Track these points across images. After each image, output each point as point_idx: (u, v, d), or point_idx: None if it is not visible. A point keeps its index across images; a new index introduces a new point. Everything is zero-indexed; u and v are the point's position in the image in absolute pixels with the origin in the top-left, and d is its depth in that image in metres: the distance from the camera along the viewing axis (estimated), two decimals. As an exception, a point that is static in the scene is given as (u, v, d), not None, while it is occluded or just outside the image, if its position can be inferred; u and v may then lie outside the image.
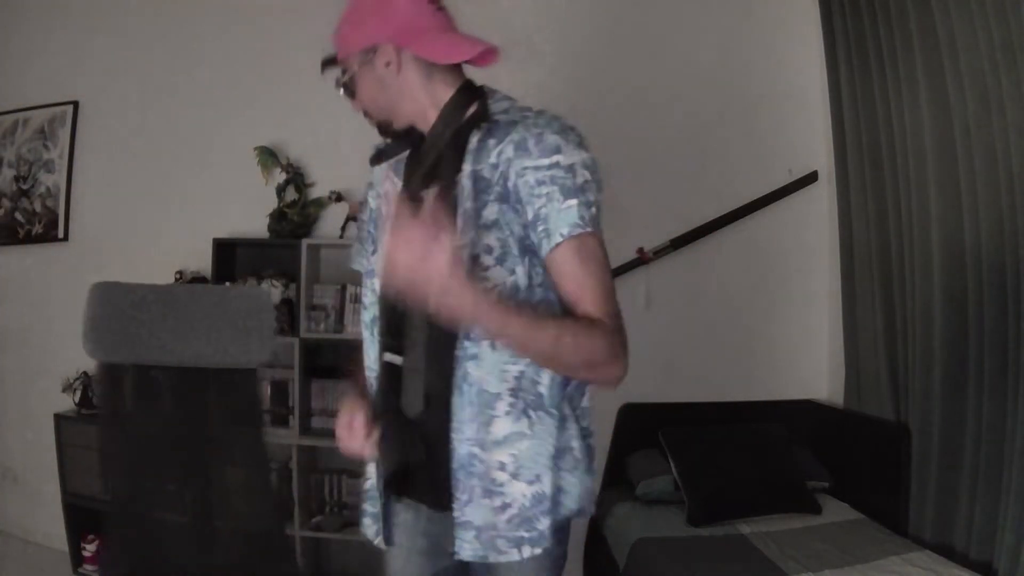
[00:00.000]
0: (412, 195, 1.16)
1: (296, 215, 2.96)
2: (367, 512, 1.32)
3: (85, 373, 3.16)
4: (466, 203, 1.11)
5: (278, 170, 3.01)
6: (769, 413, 2.89)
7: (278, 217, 2.96)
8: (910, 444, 2.40)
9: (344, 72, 1.23)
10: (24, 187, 3.40)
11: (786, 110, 3.06)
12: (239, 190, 3.08)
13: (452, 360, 1.13)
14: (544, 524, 1.14)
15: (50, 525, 3.17)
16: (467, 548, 1.15)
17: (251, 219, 3.02)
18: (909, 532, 2.35)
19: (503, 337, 1.06)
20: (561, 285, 1.11)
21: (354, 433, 1.17)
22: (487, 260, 1.11)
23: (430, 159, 1.19)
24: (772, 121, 3.06)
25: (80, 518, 3.07)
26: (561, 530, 1.21)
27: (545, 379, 1.14)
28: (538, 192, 1.10)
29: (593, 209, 1.13)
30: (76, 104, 3.33)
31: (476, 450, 1.13)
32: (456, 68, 1.22)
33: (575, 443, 1.20)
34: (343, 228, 2.97)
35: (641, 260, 2.99)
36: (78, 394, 3.14)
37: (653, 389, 2.99)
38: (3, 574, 2.96)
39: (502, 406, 1.13)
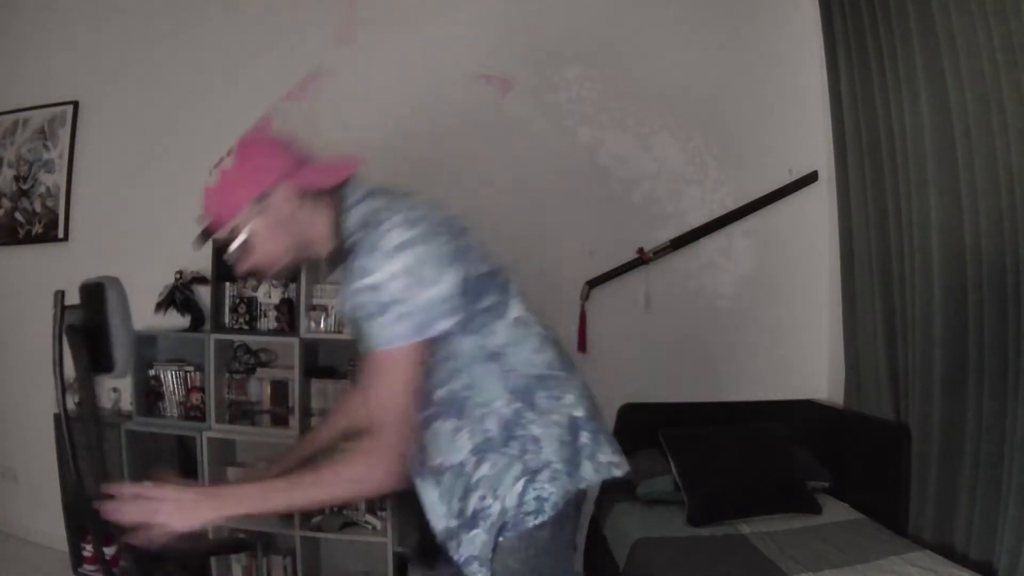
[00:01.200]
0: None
1: (296, 215, 2.95)
2: None
3: (85, 373, 3.15)
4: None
5: (278, 170, 3.00)
6: (769, 413, 2.89)
7: (278, 217, 2.96)
8: (910, 444, 2.40)
9: (232, 234, 1.26)
10: (24, 187, 3.40)
11: (786, 110, 3.06)
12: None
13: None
14: (521, 513, 1.26)
15: (50, 525, 3.18)
16: (480, 571, 1.28)
17: (251, 219, 3.02)
18: (909, 532, 2.35)
19: (267, 510, 1.20)
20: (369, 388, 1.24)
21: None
22: None
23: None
24: (772, 121, 3.06)
25: (80, 518, 3.08)
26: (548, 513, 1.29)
27: (492, 424, 1.28)
28: (356, 315, 1.23)
29: (398, 324, 1.19)
30: (76, 104, 3.34)
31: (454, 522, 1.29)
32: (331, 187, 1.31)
33: (553, 457, 1.30)
34: (343, 228, 2.96)
35: (641, 260, 2.99)
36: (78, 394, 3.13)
37: (653, 389, 2.99)
38: (3, 574, 2.96)
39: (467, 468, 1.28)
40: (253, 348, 3.02)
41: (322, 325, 2.87)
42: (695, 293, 3.04)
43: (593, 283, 3.01)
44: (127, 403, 3.06)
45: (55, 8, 3.39)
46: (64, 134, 3.33)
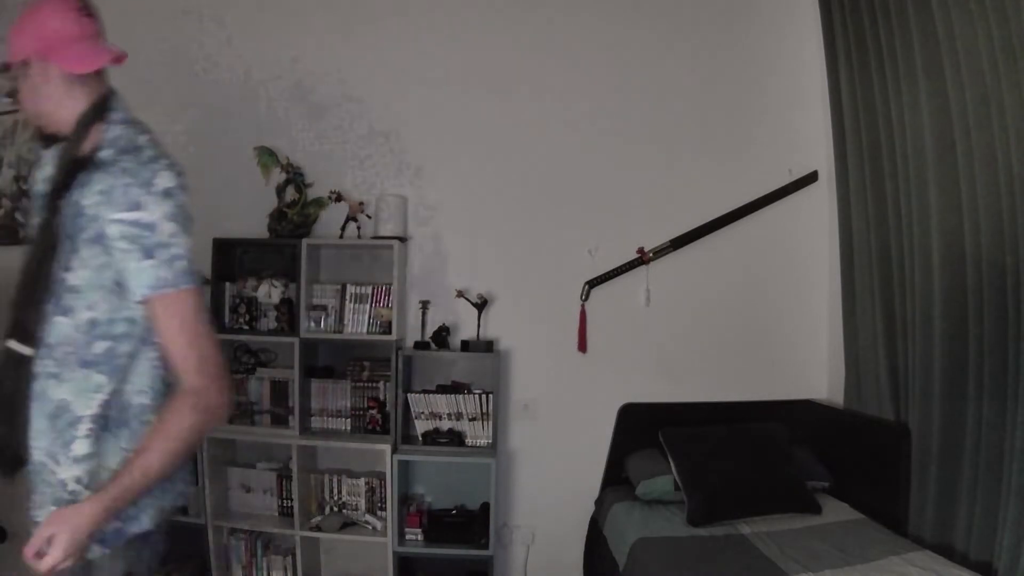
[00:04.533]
0: (51, 204, 1.22)
1: (296, 215, 2.95)
2: None
3: (85, 373, 3.15)
4: (66, 232, 1.19)
5: (278, 170, 3.01)
6: (769, 413, 2.89)
7: (278, 217, 2.96)
8: (910, 444, 2.40)
9: (10, 76, 1.28)
10: (24, 187, 3.40)
11: (786, 110, 3.07)
12: (239, 190, 3.08)
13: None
14: (110, 526, 1.22)
15: (50, 525, 3.17)
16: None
17: (251, 219, 3.02)
18: (909, 532, 2.35)
19: (130, 501, 1.18)
20: (158, 336, 1.21)
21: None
22: (77, 292, 1.19)
23: (57, 177, 1.23)
24: (772, 121, 3.06)
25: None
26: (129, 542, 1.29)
27: (125, 404, 1.24)
28: (120, 246, 1.16)
29: (177, 264, 1.18)
30: (76, 104, 3.33)
31: (47, 460, 1.26)
32: (98, 76, 1.31)
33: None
34: (343, 228, 2.97)
35: (641, 260, 2.99)
36: (78, 394, 3.13)
37: (653, 389, 2.99)
38: (3, 574, 2.95)
39: (83, 429, 1.22)
40: (253, 348, 3.02)
41: (322, 325, 2.88)
42: (695, 293, 3.04)
43: (593, 283, 3.01)
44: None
45: (55, 8, 3.39)
46: (64, 134, 3.33)
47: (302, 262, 2.86)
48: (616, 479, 2.87)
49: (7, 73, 1.31)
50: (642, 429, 2.83)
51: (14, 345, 1.22)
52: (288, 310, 2.91)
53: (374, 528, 2.83)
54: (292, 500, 2.86)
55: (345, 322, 2.88)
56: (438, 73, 3.07)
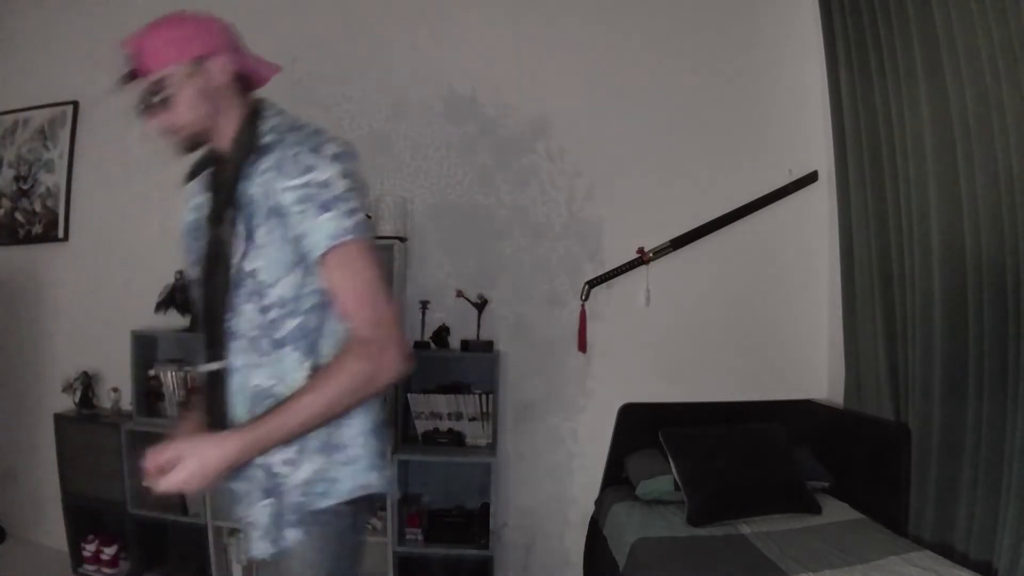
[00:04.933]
0: (215, 216, 1.27)
1: (296, 215, 2.95)
2: None
3: (85, 373, 3.16)
4: (240, 224, 1.20)
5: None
6: (769, 413, 2.89)
7: (278, 217, 2.96)
8: (910, 444, 2.40)
9: (159, 85, 1.24)
10: (24, 187, 3.40)
11: (786, 110, 3.07)
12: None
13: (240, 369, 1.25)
14: (299, 501, 1.22)
15: (50, 525, 3.18)
16: (259, 547, 1.24)
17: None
18: (909, 532, 2.35)
19: (276, 444, 1.15)
20: (332, 296, 1.20)
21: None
22: (264, 277, 1.20)
23: (222, 182, 1.27)
24: (772, 121, 3.06)
25: (80, 518, 3.08)
26: (318, 516, 1.25)
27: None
28: (296, 209, 1.17)
29: (353, 217, 1.19)
30: (76, 104, 3.33)
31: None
32: (247, 86, 1.33)
33: (357, 440, 1.26)
34: (343, 228, 2.96)
35: (641, 260, 2.99)
36: (78, 394, 3.14)
37: (653, 389, 2.99)
38: (3, 574, 2.95)
39: (293, 357, 1.21)
40: (253, 348, 3.02)
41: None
42: (695, 293, 3.04)
43: (593, 283, 3.01)
44: (127, 403, 3.06)
45: (55, 8, 3.39)
46: (64, 134, 3.33)
47: (302, 262, 2.85)
48: (616, 479, 2.87)
49: (146, 83, 1.27)
50: (642, 429, 2.83)
51: (211, 366, 1.25)
52: (288, 310, 2.90)
53: (374, 528, 2.83)
54: (292, 500, 2.86)
55: (345, 322, 2.87)
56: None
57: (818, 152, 3.03)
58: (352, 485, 1.25)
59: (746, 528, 2.39)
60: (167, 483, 1.08)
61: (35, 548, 3.24)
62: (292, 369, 1.21)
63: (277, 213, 1.18)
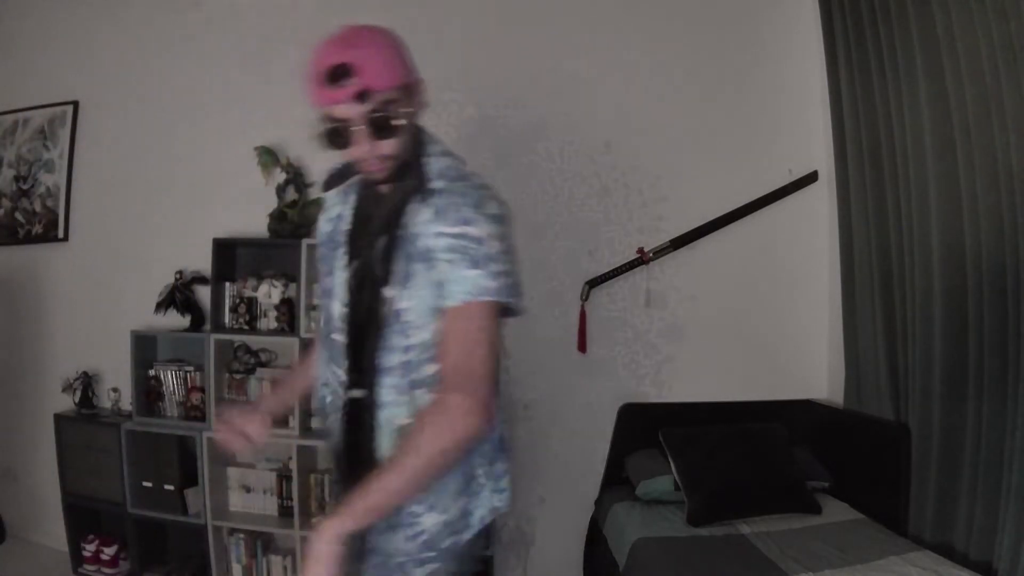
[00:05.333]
0: (361, 234, 1.28)
1: (296, 215, 2.95)
2: None
3: (85, 373, 3.16)
4: (399, 259, 1.21)
5: (278, 170, 3.01)
6: (769, 413, 2.89)
7: (278, 217, 2.96)
8: (910, 444, 2.40)
9: (385, 107, 1.15)
10: (24, 187, 3.40)
11: (786, 110, 3.06)
12: (239, 190, 3.08)
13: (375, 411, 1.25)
14: (446, 543, 1.29)
15: (50, 525, 3.18)
16: (372, 573, 1.28)
17: (251, 219, 3.02)
18: (909, 532, 2.35)
19: (383, 511, 1.12)
20: (441, 339, 1.19)
21: (248, 432, 1.34)
22: (410, 316, 1.21)
23: (383, 213, 1.25)
24: (772, 121, 3.06)
25: (80, 518, 3.08)
26: (459, 550, 1.32)
27: None
28: (446, 257, 1.17)
29: (498, 280, 1.18)
30: (76, 104, 3.34)
31: None
32: None
33: (479, 470, 1.32)
34: (343, 228, 2.96)
35: (641, 260, 2.99)
36: (78, 394, 3.14)
37: (653, 389, 3.00)
38: (3, 574, 2.95)
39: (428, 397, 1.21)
40: (253, 348, 3.02)
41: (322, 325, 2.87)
42: (695, 293, 3.04)
43: (593, 283, 3.01)
44: (127, 403, 3.06)
45: (55, 8, 3.39)
46: (64, 134, 3.33)
47: (302, 262, 2.86)
48: (616, 479, 2.87)
49: (389, 106, 1.16)
50: (642, 429, 2.83)
51: (355, 393, 1.27)
52: (288, 310, 2.91)
53: (374, 528, 2.83)
54: (292, 500, 2.86)
55: (345, 322, 2.87)
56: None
57: (818, 152, 3.03)
58: (483, 512, 1.33)
59: (746, 528, 2.39)
60: None
61: (35, 548, 3.24)
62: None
63: (425, 257, 1.19)
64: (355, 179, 1.32)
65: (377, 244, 1.23)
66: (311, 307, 2.89)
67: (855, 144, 2.72)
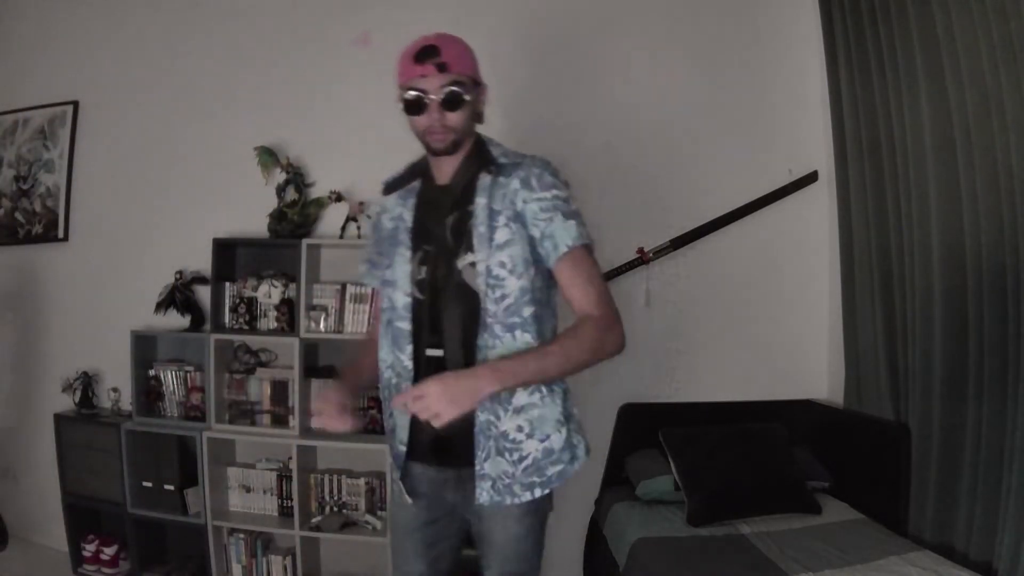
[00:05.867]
0: (426, 224, 1.51)
1: (296, 215, 2.96)
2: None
3: (85, 373, 3.16)
4: (480, 227, 1.43)
5: (278, 170, 3.01)
6: (769, 413, 2.89)
7: (278, 217, 2.96)
8: (910, 444, 2.40)
9: (463, 85, 1.43)
10: (24, 187, 3.40)
11: (786, 110, 3.06)
12: (239, 190, 3.08)
13: (475, 351, 1.44)
14: (552, 471, 1.49)
15: (50, 525, 3.18)
16: (485, 495, 1.46)
17: (251, 219, 3.03)
18: (909, 532, 2.35)
19: (525, 384, 1.39)
20: (565, 287, 1.46)
21: (338, 414, 1.52)
22: (501, 272, 1.43)
23: (451, 195, 1.49)
24: (772, 121, 3.06)
25: (80, 518, 3.08)
26: (565, 481, 1.55)
27: None
28: (543, 216, 1.43)
29: (585, 228, 1.47)
30: (76, 104, 3.34)
31: (491, 418, 1.45)
32: None
33: (575, 410, 1.58)
34: (343, 228, 2.97)
35: (641, 260, 2.99)
36: (78, 394, 3.14)
37: (653, 389, 2.99)
38: (3, 574, 2.95)
39: (523, 339, 1.45)
40: (253, 348, 3.02)
41: (322, 325, 2.88)
42: (695, 293, 3.04)
43: (594, 283, 3.00)
44: (127, 403, 3.06)
45: (55, 8, 3.39)
46: (64, 134, 3.33)
47: (302, 262, 2.86)
48: (616, 479, 2.87)
49: (459, 85, 1.42)
50: (642, 429, 2.83)
51: (432, 352, 1.47)
52: (288, 310, 2.91)
53: (374, 528, 2.83)
54: (292, 500, 2.86)
55: (345, 322, 2.88)
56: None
57: (818, 152, 3.03)
58: (582, 451, 1.56)
59: (746, 528, 2.39)
60: (423, 412, 1.24)
61: (35, 548, 3.24)
62: (523, 347, 1.43)
63: (519, 219, 1.43)
64: (413, 185, 1.56)
65: (447, 223, 1.46)
66: (311, 307, 2.90)
67: (855, 144, 2.72)
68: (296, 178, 2.99)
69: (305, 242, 2.88)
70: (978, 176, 2.10)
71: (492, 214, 1.43)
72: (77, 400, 3.14)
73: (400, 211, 1.55)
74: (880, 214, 2.60)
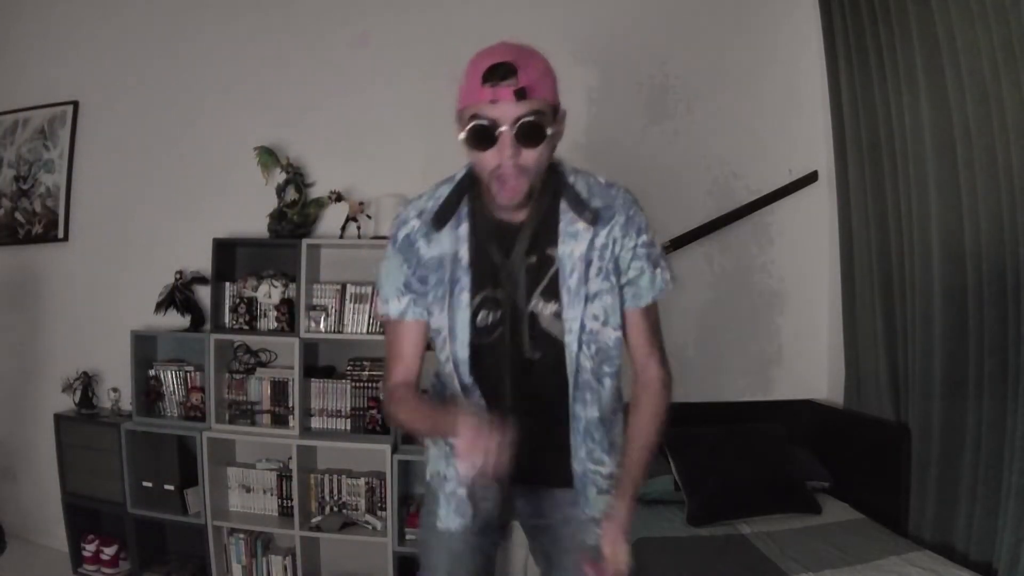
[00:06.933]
0: (491, 261, 1.28)
1: (296, 215, 2.96)
2: (446, 505, 1.42)
3: (85, 373, 3.16)
4: (570, 279, 1.26)
5: (278, 170, 3.01)
6: (769, 413, 2.89)
7: (278, 217, 2.96)
8: (910, 444, 2.40)
9: (542, 116, 1.15)
10: (24, 187, 3.40)
11: (786, 110, 3.06)
12: (239, 190, 3.08)
13: (568, 412, 1.34)
14: (604, 504, 1.38)
15: (50, 525, 3.18)
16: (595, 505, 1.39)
17: (251, 219, 3.02)
18: (909, 532, 2.35)
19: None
20: (633, 333, 1.35)
21: (488, 448, 1.11)
22: (594, 325, 1.29)
23: (528, 233, 1.27)
24: (772, 121, 3.06)
25: (80, 518, 3.08)
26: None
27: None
28: (635, 265, 1.31)
29: (668, 271, 1.38)
30: (76, 104, 3.33)
31: (593, 466, 1.38)
32: None
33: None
34: (343, 228, 2.97)
35: (641, 260, 2.98)
36: (78, 394, 3.14)
37: (653, 389, 2.98)
38: (3, 574, 2.95)
39: (610, 385, 1.35)
40: (253, 348, 3.02)
41: (322, 325, 2.87)
42: (694, 293, 3.04)
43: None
44: (127, 403, 3.06)
45: (55, 9, 3.39)
46: (64, 134, 3.33)
47: (302, 262, 2.86)
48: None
49: (539, 116, 1.15)
50: (642, 429, 2.83)
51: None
52: (288, 310, 2.91)
53: (374, 528, 2.83)
54: (292, 500, 2.86)
55: (345, 322, 2.88)
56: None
57: (818, 152, 3.03)
58: None
59: (746, 528, 2.39)
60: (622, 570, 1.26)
61: (35, 548, 3.24)
62: (611, 399, 1.36)
63: (616, 269, 1.30)
64: (464, 210, 1.29)
65: (524, 265, 1.27)
66: (311, 307, 2.89)
67: (855, 144, 2.72)
68: (296, 178, 2.99)
69: (305, 242, 2.88)
70: (978, 176, 2.10)
71: (587, 265, 1.26)
72: (77, 400, 3.14)
73: (449, 240, 1.28)
74: (880, 214, 2.60)
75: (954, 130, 2.18)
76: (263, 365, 3.00)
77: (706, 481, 2.52)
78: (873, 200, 2.64)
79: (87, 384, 3.15)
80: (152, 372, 3.05)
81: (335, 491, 2.92)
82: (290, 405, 2.90)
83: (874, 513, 2.46)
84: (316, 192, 3.04)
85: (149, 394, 3.03)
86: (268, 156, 3.01)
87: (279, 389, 2.94)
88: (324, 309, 2.89)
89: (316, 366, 3.00)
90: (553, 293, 1.27)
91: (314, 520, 2.87)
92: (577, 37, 3.06)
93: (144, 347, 3.04)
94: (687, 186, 3.04)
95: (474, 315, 1.28)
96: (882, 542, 2.21)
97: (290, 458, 2.88)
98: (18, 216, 3.40)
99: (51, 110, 3.36)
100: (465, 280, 1.27)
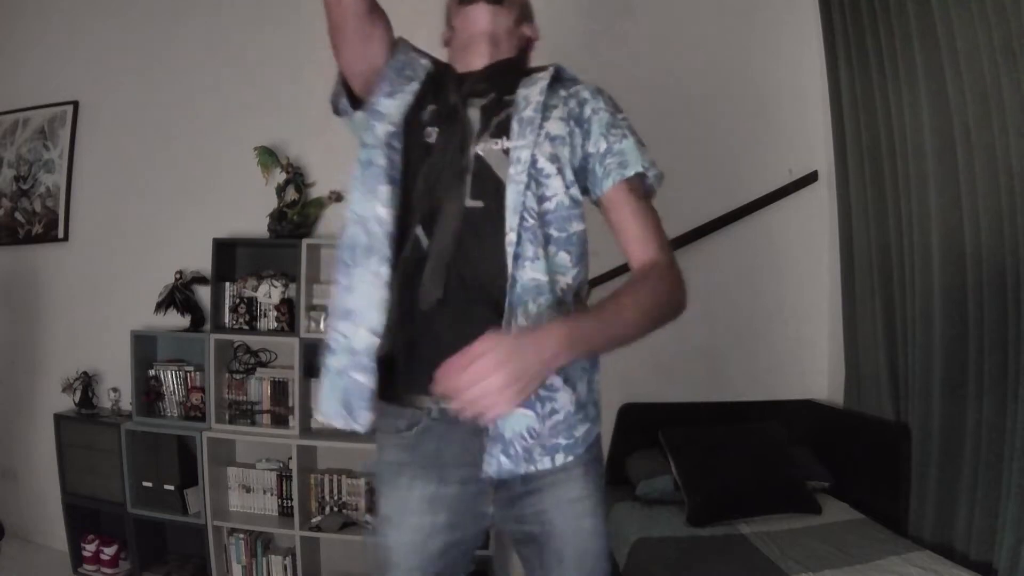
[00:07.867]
0: (439, 98, 1.21)
1: (296, 215, 2.96)
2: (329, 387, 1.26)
3: (85, 373, 3.16)
4: (526, 112, 1.15)
5: (278, 170, 3.01)
6: (769, 413, 2.89)
7: (278, 217, 2.96)
8: (910, 444, 2.40)
9: None
10: (24, 187, 3.40)
11: (786, 110, 3.06)
12: (239, 190, 3.08)
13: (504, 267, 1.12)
14: (580, 431, 1.18)
15: (50, 525, 3.18)
16: (494, 465, 1.11)
17: (251, 219, 3.03)
18: (909, 532, 2.35)
19: (592, 354, 1.15)
20: (622, 220, 1.17)
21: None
22: (546, 166, 1.14)
23: (485, 79, 1.22)
24: (772, 121, 3.06)
25: (80, 518, 3.08)
26: (595, 443, 1.26)
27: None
28: (614, 131, 1.18)
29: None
30: (76, 104, 3.34)
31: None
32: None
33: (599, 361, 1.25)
34: (343, 228, 2.97)
35: (641, 260, 2.98)
36: (78, 394, 3.14)
37: (653, 389, 2.99)
38: (3, 574, 2.96)
39: (559, 256, 1.15)
40: (253, 348, 3.02)
41: (322, 325, 2.87)
42: (695, 293, 3.01)
43: (593, 283, 3.00)
44: (127, 403, 3.06)
45: (55, 9, 3.39)
46: (64, 134, 3.33)
47: (302, 262, 2.86)
48: (616, 479, 2.87)
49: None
50: (642, 429, 2.83)
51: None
52: (288, 310, 2.91)
53: (374, 528, 2.83)
54: (292, 500, 2.86)
55: (345, 322, 2.87)
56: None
57: (818, 152, 3.03)
58: (600, 408, 1.30)
59: (746, 528, 2.39)
60: (477, 391, 0.87)
61: (35, 548, 3.24)
62: (563, 270, 1.15)
63: (581, 124, 1.18)
64: (423, 63, 1.30)
65: (478, 104, 1.19)
66: (311, 307, 2.89)
67: (855, 144, 2.72)
68: (296, 178, 2.99)
69: (305, 242, 2.88)
70: (978, 176, 2.10)
71: (546, 106, 1.16)
72: (77, 400, 3.14)
73: (410, 72, 1.27)
74: (880, 214, 2.60)
75: (954, 130, 2.18)
76: (263, 365, 3.01)
77: (706, 481, 2.52)
78: (873, 200, 2.64)
79: (87, 384, 3.15)
80: (152, 372, 3.05)
81: (335, 491, 2.92)
82: (290, 405, 2.91)
83: (874, 513, 2.46)
84: (316, 192, 3.04)
85: (149, 394, 3.03)
86: (268, 156, 3.01)
87: (279, 389, 2.94)
88: (324, 309, 2.89)
89: (316, 366, 3.00)
90: (504, 130, 1.15)
91: (314, 520, 2.87)
92: (575, 32, 3.06)
93: (144, 347, 3.04)
94: (687, 186, 3.04)
95: (421, 125, 1.19)
96: (882, 542, 2.21)
97: (290, 458, 2.88)
98: (18, 216, 3.41)
99: (51, 110, 3.36)
100: (416, 84, 1.25)
